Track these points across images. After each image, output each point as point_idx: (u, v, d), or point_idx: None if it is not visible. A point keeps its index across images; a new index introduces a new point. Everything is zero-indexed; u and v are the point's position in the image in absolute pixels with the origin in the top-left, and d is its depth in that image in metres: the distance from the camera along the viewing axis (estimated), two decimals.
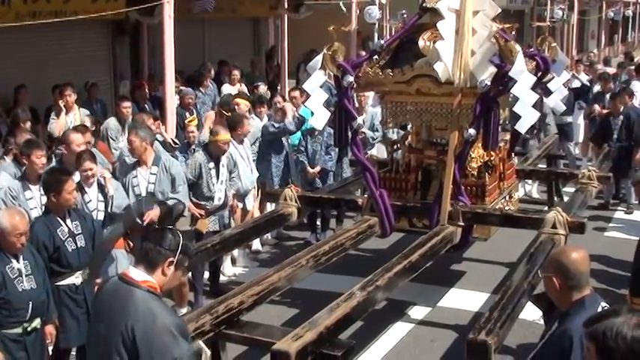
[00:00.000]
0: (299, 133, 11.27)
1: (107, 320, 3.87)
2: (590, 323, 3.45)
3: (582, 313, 3.98)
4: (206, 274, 9.31)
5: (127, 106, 11.22)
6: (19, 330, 5.98)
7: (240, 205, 10.01)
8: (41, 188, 7.21)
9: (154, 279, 3.91)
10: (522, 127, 7.92)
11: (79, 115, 11.33)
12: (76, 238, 6.68)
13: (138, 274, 3.89)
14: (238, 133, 9.94)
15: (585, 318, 3.90)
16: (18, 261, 5.99)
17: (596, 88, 15.56)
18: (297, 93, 11.90)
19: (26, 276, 6.00)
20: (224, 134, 9.21)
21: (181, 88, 13.43)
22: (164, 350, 3.75)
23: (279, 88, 18.24)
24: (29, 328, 6.04)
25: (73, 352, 7.01)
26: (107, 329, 3.85)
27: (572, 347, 3.90)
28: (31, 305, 6.01)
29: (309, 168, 11.04)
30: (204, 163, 9.07)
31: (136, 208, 7.27)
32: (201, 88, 14.28)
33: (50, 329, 6.35)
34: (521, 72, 7.61)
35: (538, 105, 8.82)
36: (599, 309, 4.08)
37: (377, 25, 17.09)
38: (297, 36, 19.45)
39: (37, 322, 6.10)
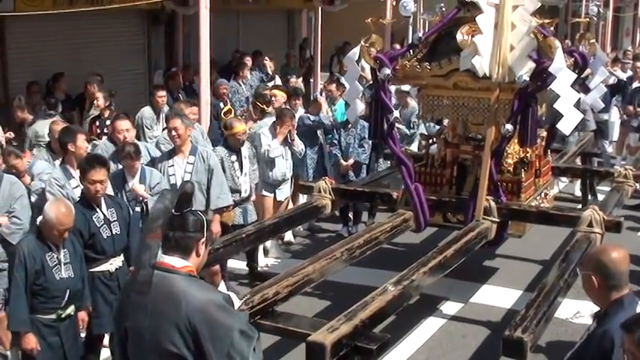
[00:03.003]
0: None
1: (152, 313, 3.81)
2: (630, 326, 3.40)
3: (621, 313, 3.94)
4: (241, 264, 9.41)
5: (162, 95, 11.30)
6: (53, 316, 6.06)
7: (271, 195, 10.03)
8: None
9: (190, 263, 3.91)
10: (566, 127, 7.77)
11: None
12: (111, 225, 6.71)
13: (176, 261, 3.87)
14: (281, 131, 9.97)
15: (625, 318, 3.86)
16: (58, 250, 6.05)
17: (635, 84, 15.37)
18: (333, 86, 11.88)
19: (64, 264, 6.06)
20: (239, 126, 9.25)
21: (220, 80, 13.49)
22: (226, 327, 3.76)
23: (311, 80, 18.23)
24: (63, 315, 6.11)
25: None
26: (154, 322, 3.80)
27: (613, 348, 3.85)
28: (67, 293, 6.08)
29: (342, 161, 11.01)
30: (226, 157, 9.08)
31: (171, 199, 7.16)
32: (237, 79, 14.31)
33: (83, 315, 6.39)
34: (561, 68, 7.54)
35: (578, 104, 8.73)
36: (638, 309, 4.03)
37: (412, 19, 17.01)
38: (331, 29, 19.42)
39: (71, 309, 6.17)
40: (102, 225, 6.65)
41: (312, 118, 10.94)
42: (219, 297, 3.87)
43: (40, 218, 6.16)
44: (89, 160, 6.85)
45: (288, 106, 11.41)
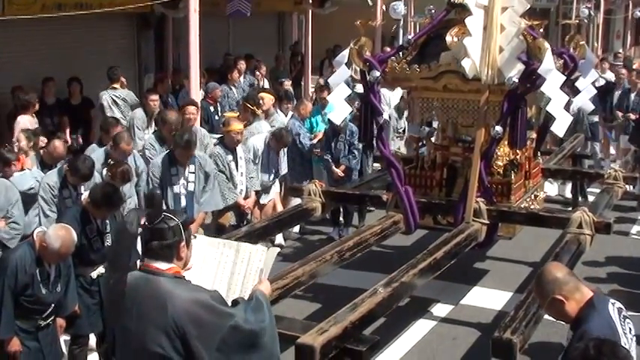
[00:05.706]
0: (322, 126, 11.34)
1: (138, 315, 3.80)
2: None
3: (594, 314, 3.93)
4: None
5: (154, 99, 11.38)
6: (33, 324, 6.07)
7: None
8: (80, 187, 7.42)
9: (175, 265, 3.91)
10: (559, 129, 7.83)
11: None
12: (104, 237, 6.73)
13: (161, 264, 3.88)
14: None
15: (599, 317, 3.86)
16: (50, 266, 6.04)
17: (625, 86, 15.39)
18: (326, 93, 11.89)
19: (53, 280, 6.07)
20: (236, 124, 9.29)
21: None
22: (214, 324, 3.76)
23: (302, 83, 18.23)
24: (43, 324, 6.13)
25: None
26: (140, 324, 3.79)
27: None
28: (50, 308, 6.12)
29: (334, 168, 10.98)
30: (224, 156, 9.11)
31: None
32: (228, 83, 14.31)
33: (61, 322, 6.42)
34: (550, 70, 7.55)
35: (568, 106, 8.75)
36: (610, 306, 4.02)
37: (402, 21, 17.05)
38: (322, 31, 19.41)
39: (50, 319, 6.20)
40: (94, 236, 6.66)
41: (303, 142, 10.98)
42: (206, 295, 3.85)
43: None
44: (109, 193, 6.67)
45: (277, 109, 11.46)
